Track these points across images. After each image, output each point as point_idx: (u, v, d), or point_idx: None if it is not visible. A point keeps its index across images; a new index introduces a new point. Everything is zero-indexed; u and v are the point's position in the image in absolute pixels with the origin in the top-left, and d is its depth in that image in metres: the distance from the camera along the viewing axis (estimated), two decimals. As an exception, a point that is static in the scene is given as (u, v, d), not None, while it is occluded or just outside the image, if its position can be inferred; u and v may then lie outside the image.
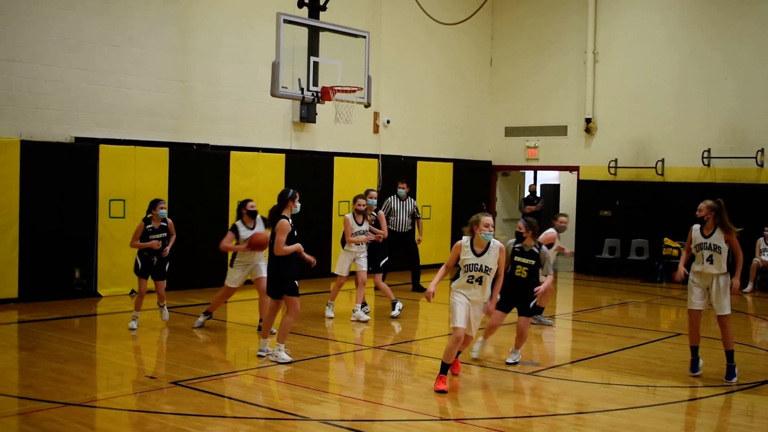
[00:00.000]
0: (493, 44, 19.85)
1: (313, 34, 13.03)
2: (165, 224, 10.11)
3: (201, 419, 6.45)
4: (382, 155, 16.95)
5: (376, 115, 16.59)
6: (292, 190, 8.49)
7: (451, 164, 18.74)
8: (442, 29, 17.27)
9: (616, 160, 17.68)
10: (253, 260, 9.85)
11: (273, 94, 12.24)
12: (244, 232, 9.73)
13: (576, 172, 18.62)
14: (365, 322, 11.05)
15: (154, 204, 10.03)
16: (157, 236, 10.03)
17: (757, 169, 15.86)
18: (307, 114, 15.16)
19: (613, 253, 17.52)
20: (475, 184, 19.16)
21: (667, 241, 16.52)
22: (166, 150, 13.41)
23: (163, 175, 13.34)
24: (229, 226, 10.26)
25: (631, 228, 17.37)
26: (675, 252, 16.28)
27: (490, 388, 7.75)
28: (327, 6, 14.32)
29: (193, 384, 7.51)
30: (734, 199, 15.49)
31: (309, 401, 7.17)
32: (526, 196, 19.28)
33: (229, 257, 10.27)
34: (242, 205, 10.02)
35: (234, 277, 10.06)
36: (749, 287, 14.99)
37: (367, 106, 13.76)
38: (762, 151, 15.76)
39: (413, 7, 16.26)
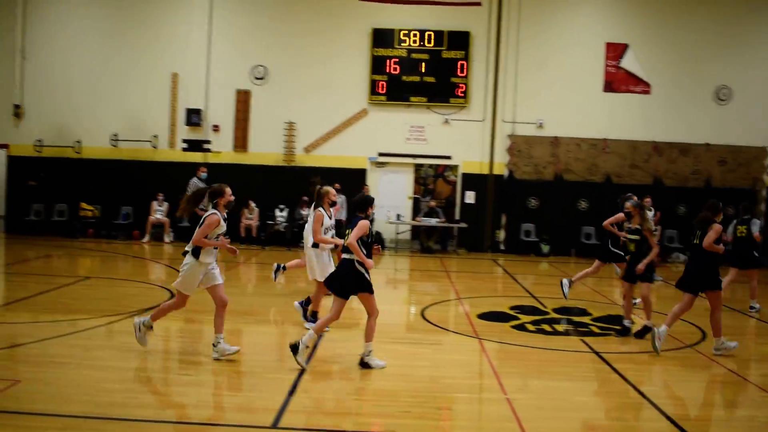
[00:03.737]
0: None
1: None
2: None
3: None
4: None
5: None
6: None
7: None
8: None
9: (41, 140, 21.19)
10: None
11: None
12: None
13: (6, 149, 21.55)
14: None
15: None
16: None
17: (153, 150, 21.15)
18: None
19: (39, 216, 21.02)
20: None
21: (83, 204, 20.78)
22: None
23: None
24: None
25: (55, 195, 21.11)
26: (90, 213, 20.63)
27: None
28: None
29: None
30: (134, 173, 20.75)
31: None
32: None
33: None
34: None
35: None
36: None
37: None
38: (156, 136, 21.08)
39: None
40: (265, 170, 20.91)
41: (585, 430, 6.43)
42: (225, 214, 8.05)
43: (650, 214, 16.17)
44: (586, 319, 11.30)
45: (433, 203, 20.77)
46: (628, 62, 21.01)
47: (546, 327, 10.60)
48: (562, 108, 20.90)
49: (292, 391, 7.00)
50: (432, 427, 6.31)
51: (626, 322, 10.18)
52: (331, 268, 9.43)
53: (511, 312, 11.60)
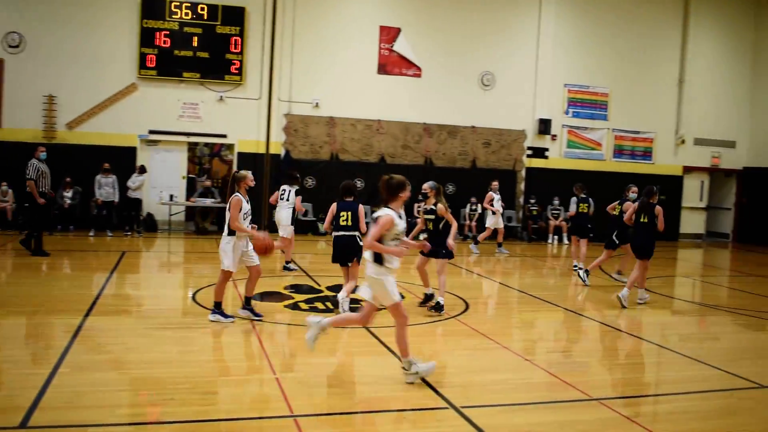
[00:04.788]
0: None
1: None
2: None
3: None
4: None
5: None
6: None
7: None
8: None
9: None
10: None
11: None
12: None
13: None
14: None
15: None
16: None
17: None
18: None
19: None
20: None
21: None
22: None
23: None
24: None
25: None
26: None
27: None
28: None
29: None
30: None
31: None
32: None
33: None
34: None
35: None
36: None
37: None
38: None
39: None
40: (21, 148, 19.13)
41: (355, 404, 6.51)
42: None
43: (497, 197, 17.57)
44: (356, 296, 11.51)
45: (208, 183, 20.23)
46: (401, 46, 21.67)
47: (319, 305, 10.68)
48: (338, 88, 21.15)
49: (45, 386, 6.45)
50: (196, 412, 6.08)
51: (428, 291, 10.84)
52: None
53: (286, 291, 11.57)
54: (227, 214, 9.05)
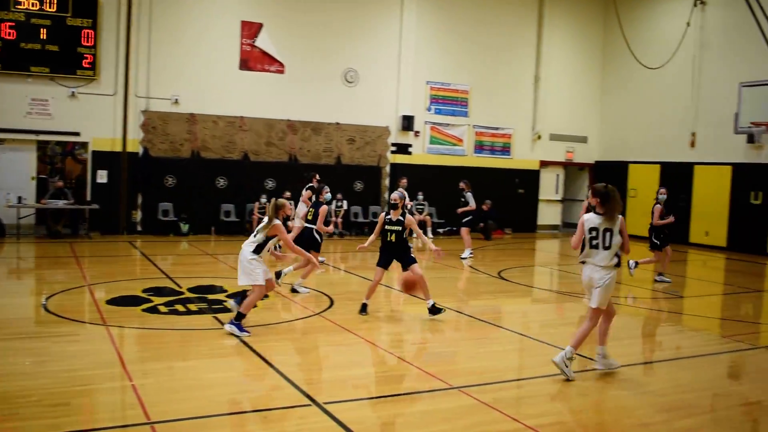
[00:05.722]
0: None
1: None
2: None
3: None
4: None
5: None
6: None
7: None
8: None
9: None
10: None
11: None
12: None
13: None
14: None
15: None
16: None
17: None
18: None
19: None
20: None
21: None
22: None
23: None
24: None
25: None
26: None
27: None
28: None
29: None
30: None
31: None
32: None
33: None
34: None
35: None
36: None
37: None
38: None
39: None
40: None
41: (215, 407, 6.33)
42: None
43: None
44: (221, 296, 11.27)
45: (60, 183, 19.18)
46: (263, 42, 21.37)
47: (179, 307, 10.34)
48: (198, 84, 20.59)
49: None
50: (46, 426, 5.72)
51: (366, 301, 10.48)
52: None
53: (144, 295, 11.12)
54: (264, 235, 8.91)
